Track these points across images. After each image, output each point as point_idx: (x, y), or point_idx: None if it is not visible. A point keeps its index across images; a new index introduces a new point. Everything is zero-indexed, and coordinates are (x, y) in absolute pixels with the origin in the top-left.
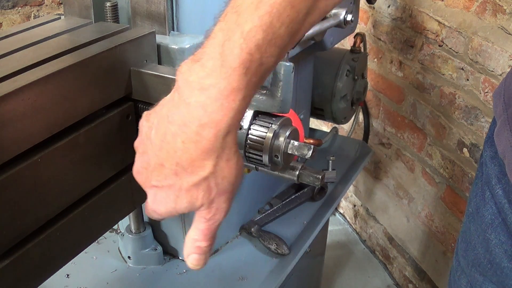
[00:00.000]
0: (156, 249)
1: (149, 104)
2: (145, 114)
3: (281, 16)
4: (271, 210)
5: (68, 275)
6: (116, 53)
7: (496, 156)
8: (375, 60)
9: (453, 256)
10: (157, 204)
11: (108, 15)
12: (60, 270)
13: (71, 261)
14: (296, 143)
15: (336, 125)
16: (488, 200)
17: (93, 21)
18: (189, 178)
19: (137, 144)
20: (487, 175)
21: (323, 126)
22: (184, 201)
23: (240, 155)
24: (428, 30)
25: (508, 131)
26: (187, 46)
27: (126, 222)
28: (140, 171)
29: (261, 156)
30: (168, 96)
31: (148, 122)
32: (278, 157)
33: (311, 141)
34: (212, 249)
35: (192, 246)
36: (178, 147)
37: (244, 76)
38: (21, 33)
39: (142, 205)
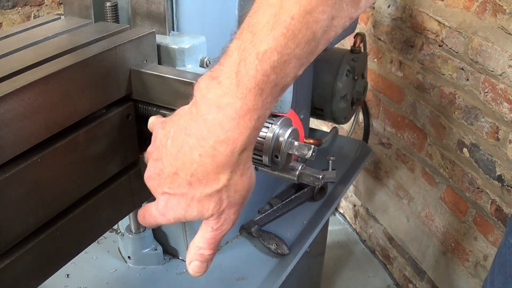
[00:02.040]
0: (156, 249)
1: (149, 104)
2: (160, 121)
3: (296, 38)
4: (271, 210)
5: (68, 275)
6: (116, 53)
7: None
8: (375, 60)
9: (484, 284)
10: (167, 209)
11: (108, 15)
12: (60, 270)
13: (71, 261)
14: (296, 143)
15: (336, 125)
16: None
17: (93, 21)
18: (202, 189)
19: (150, 150)
20: None
21: (323, 126)
22: (195, 210)
23: (253, 169)
24: (428, 30)
25: None
26: (187, 46)
27: (126, 222)
28: (152, 177)
29: (262, 156)
30: (186, 107)
31: (164, 130)
32: (278, 157)
33: (311, 141)
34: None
35: (195, 253)
36: (195, 159)
37: (259, 96)
38: (21, 33)
39: (142, 205)
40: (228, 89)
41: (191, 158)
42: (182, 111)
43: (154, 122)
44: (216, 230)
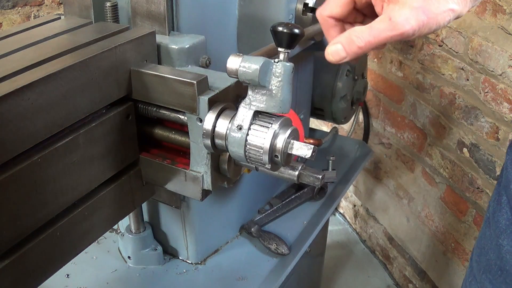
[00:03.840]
0: (156, 249)
1: (149, 104)
2: None
3: None
4: (271, 210)
5: (68, 275)
6: (116, 53)
7: None
8: (375, 60)
9: (468, 262)
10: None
11: (108, 15)
12: (60, 270)
13: (71, 261)
14: (296, 143)
15: (336, 125)
16: (504, 205)
17: (93, 21)
18: None
19: None
20: (506, 179)
21: (323, 126)
22: None
23: None
24: None
25: None
26: (187, 46)
27: (126, 222)
28: None
29: (261, 156)
30: None
31: None
32: (278, 157)
33: (311, 141)
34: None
35: (348, 36)
36: None
37: None
38: (21, 33)
39: (142, 205)
40: None
41: None
42: None
43: None
44: (392, 27)
